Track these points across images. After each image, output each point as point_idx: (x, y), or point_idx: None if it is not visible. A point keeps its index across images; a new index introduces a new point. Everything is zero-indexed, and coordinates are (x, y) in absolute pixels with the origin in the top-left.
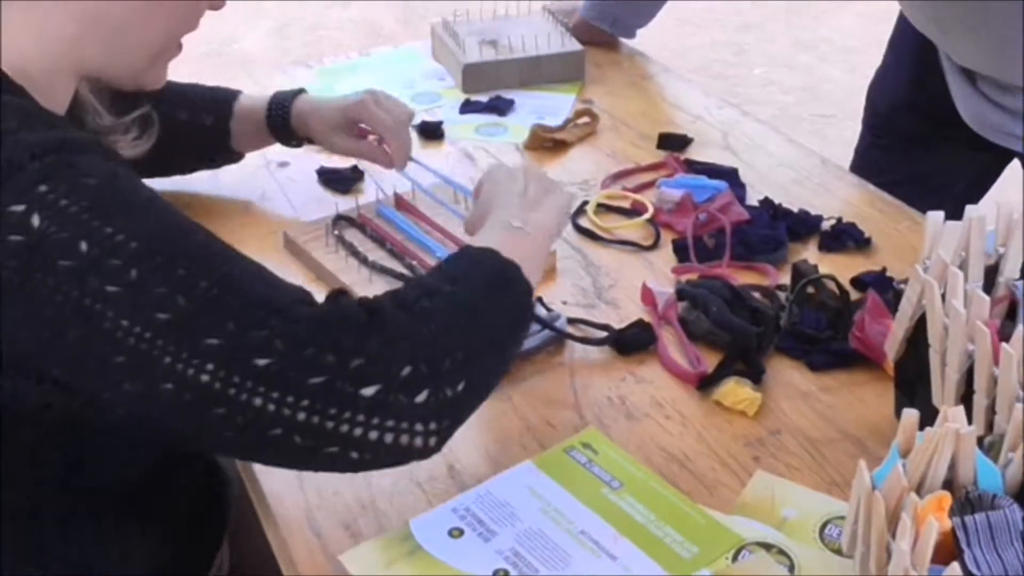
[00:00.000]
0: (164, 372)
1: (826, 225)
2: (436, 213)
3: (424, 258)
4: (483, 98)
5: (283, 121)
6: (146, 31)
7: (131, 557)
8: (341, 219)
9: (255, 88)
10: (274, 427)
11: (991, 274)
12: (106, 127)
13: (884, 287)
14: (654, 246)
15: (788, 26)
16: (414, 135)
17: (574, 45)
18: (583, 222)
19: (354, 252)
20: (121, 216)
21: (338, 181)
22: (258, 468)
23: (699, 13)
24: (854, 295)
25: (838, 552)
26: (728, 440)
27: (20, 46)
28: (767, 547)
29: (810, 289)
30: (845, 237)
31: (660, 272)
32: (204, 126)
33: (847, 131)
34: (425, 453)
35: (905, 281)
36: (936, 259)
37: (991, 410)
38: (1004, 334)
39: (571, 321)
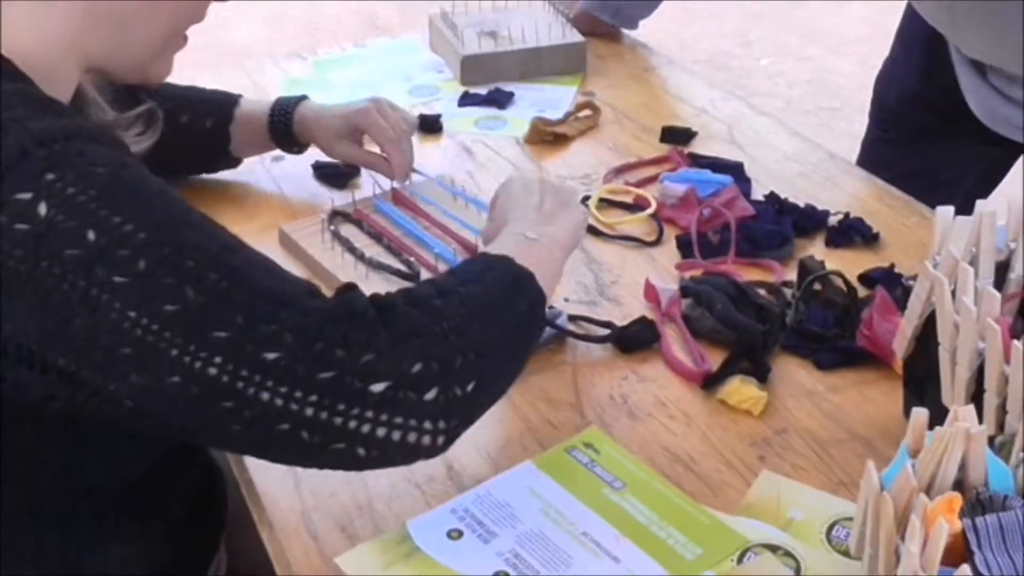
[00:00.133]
0: (171, 364)
1: (833, 220)
2: (440, 203)
3: (422, 254)
4: (482, 91)
5: (285, 128)
6: (151, 23)
7: (130, 557)
8: (337, 215)
9: (247, 80)
10: (281, 422)
11: (1002, 270)
12: (109, 122)
13: (892, 284)
14: (657, 242)
15: (795, 17)
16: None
17: (575, 36)
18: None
19: (350, 248)
20: (129, 206)
21: (334, 176)
22: (253, 468)
23: (703, 3)
24: (862, 292)
25: (845, 554)
26: (733, 440)
27: (25, 37)
28: (773, 549)
29: (817, 286)
30: (852, 232)
31: (663, 268)
32: (204, 129)
33: (855, 124)
34: (432, 452)
35: (914, 278)
36: (946, 255)
37: (1002, 409)
38: (1015, 331)
39: (572, 318)
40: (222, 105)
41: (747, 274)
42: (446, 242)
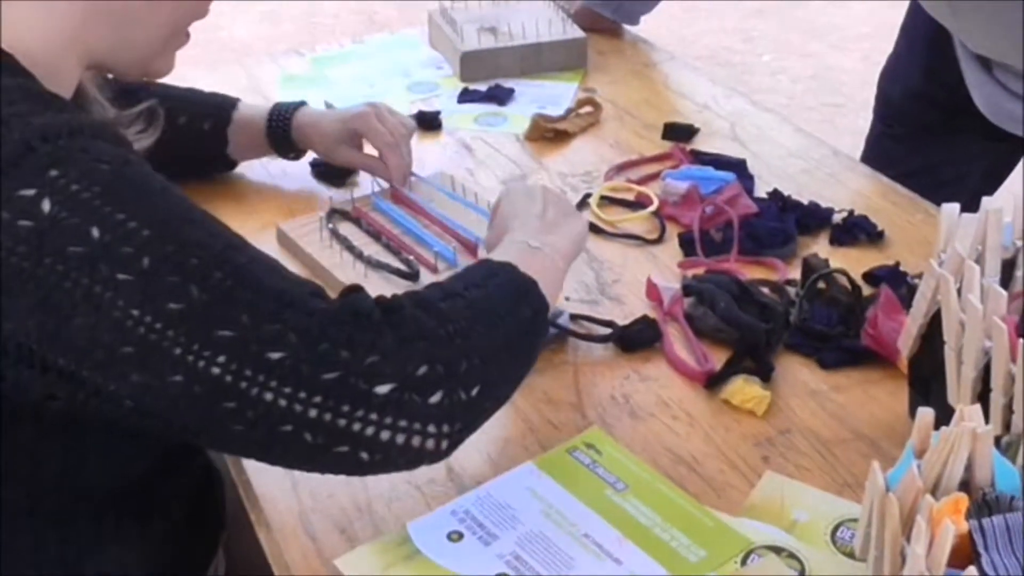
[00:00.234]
0: (174, 363)
1: (837, 218)
2: (436, 202)
3: (422, 253)
4: (482, 87)
5: (284, 133)
6: (153, 20)
7: (129, 558)
8: (336, 213)
9: (245, 77)
10: (284, 423)
11: (1008, 268)
12: (110, 120)
13: (897, 282)
14: (659, 240)
15: (798, 12)
16: None
17: (576, 32)
18: (586, 215)
19: (349, 247)
20: (133, 202)
21: (332, 174)
22: (251, 470)
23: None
24: (866, 290)
25: (850, 556)
26: (736, 440)
27: (27, 33)
28: (777, 550)
29: (821, 284)
30: (857, 230)
31: (665, 267)
32: (202, 131)
33: (859, 120)
34: (436, 457)
35: (919, 276)
36: (952, 253)
37: (1008, 409)
38: (1022, 330)
39: (574, 317)
40: (220, 108)
41: (750, 272)
42: (446, 240)
